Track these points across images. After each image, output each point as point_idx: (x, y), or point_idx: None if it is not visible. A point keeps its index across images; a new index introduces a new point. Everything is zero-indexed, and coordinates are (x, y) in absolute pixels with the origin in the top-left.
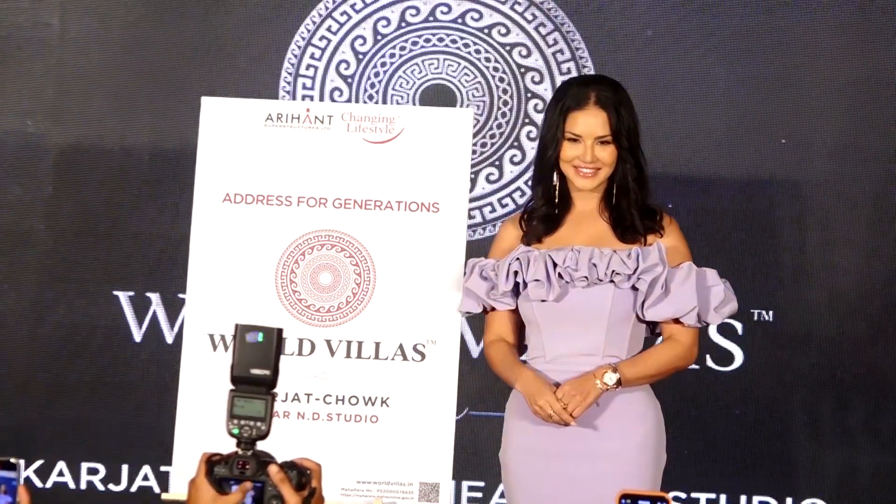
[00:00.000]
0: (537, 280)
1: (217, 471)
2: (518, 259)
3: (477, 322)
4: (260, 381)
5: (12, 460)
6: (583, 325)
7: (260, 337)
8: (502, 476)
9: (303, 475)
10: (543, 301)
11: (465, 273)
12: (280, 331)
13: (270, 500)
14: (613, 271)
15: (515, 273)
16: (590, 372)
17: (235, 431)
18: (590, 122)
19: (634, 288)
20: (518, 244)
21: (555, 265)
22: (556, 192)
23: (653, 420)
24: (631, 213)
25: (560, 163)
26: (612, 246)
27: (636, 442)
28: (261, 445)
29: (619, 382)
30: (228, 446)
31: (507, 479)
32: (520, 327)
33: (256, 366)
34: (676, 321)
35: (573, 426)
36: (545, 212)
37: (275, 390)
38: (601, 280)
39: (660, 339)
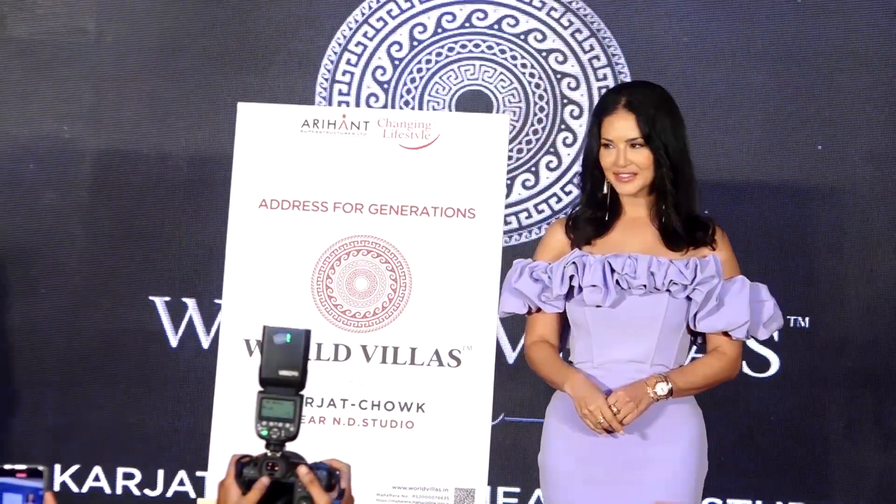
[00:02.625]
0: (594, 285)
1: (246, 472)
2: (574, 263)
3: (513, 328)
4: (288, 383)
5: (39, 468)
6: (634, 333)
7: (288, 338)
8: (540, 479)
9: (332, 476)
10: (598, 307)
11: (511, 273)
12: (308, 332)
13: (300, 501)
14: (671, 281)
15: (571, 277)
16: (641, 380)
17: (264, 433)
18: (619, 126)
19: (688, 298)
20: (567, 248)
21: (612, 271)
22: (608, 199)
23: (696, 429)
24: (671, 219)
25: (605, 171)
26: (659, 254)
27: (680, 450)
28: (294, 447)
29: (670, 392)
30: (262, 450)
31: (545, 483)
32: (560, 329)
33: (285, 367)
34: (725, 333)
35: (625, 434)
36: (591, 216)
37: (303, 391)
38: (658, 289)
39: (693, 349)
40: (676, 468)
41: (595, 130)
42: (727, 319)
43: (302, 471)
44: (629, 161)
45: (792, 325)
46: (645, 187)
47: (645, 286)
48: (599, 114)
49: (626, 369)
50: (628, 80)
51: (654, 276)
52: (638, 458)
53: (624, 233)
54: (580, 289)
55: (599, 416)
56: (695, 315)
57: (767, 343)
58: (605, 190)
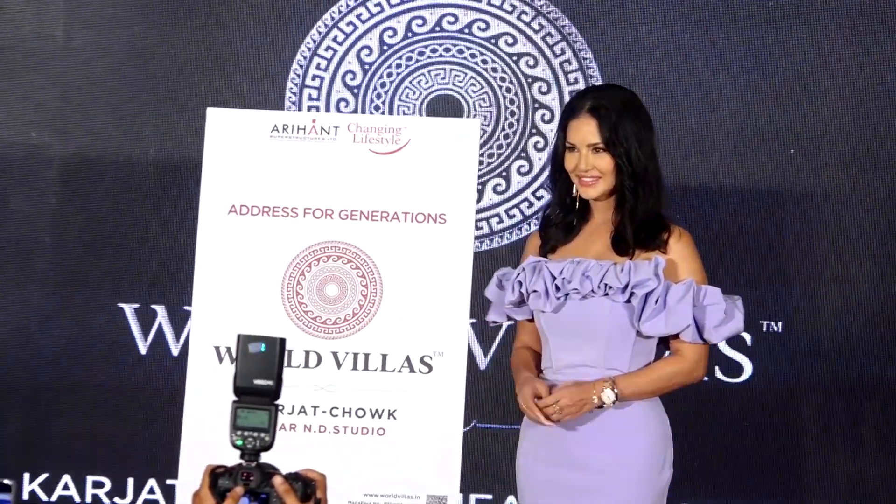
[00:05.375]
0: (536, 291)
1: (221, 483)
2: (524, 270)
3: (484, 334)
4: (263, 392)
5: (6, 482)
6: (581, 337)
7: (262, 347)
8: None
9: (307, 486)
10: (544, 312)
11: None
12: (283, 340)
13: None
14: (607, 284)
15: (520, 283)
16: (590, 383)
17: (239, 443)
18: (581, 131)
19: (631, 301)
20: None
21: (553, 277)
22: (577, 203)
23: (654, 434)
24: (624, 225)
25: (570, 175)
26: (609, 259)
27: (633, 456)
28: (266, 457)
29: (616, 397)
30: (234, 459)
31: (517, 485)
32: None
33: (259, 376)
34: (675, 336)
35: (574, 436)
36: (562, 220)
37: (278, 401)
38: (594, 293)
39: (666, 353)
40: (630, 474)
41: (561, 134)
42: (669, 322)
43: (277, 481)
44: (591, 165)
45: (765, 329)
46: (608, 191)
47: (578, 290)
48: (565, 117)
49: (579, 374)
50: (600, 84)
51: (590, 279)
52: (592, 463)
53: (586, 238)
54: (528, 295)
55: (523, 405)
56: (639, 318)
57: (740, 348)
58: (575, 193)
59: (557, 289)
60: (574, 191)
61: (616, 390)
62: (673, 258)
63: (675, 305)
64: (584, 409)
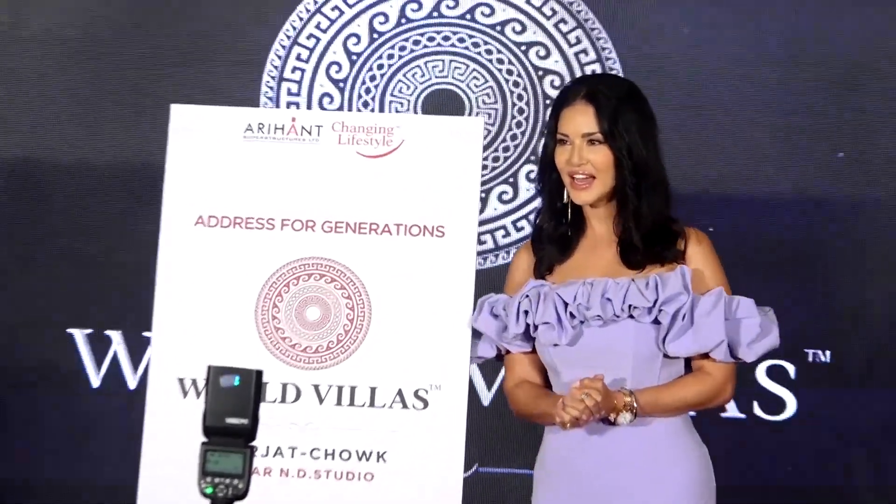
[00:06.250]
0: (547, 323)
1: None
2: (528, 297)
3: (488, 365)
4: (237, 432)
5: None
6: (604, 368)
7: (236, 381)
8: None
9: None
10: (557, 345)
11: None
12: (259, 373)
13: None
14: (631, 305)
15: (526, 313)
16: (615, 402)
17: (209, 490)
18: (575, 119)
19: (656, 321)
20: (531, 275)
21: (565, 304)
22: (569, 210)
23: (695, 470)
24: (629, 230)
25: (560, 174)
26: (619, 275)
27: (675, 491)
28: None
29: (633, 417)
30: None
31: None
32: (543, 368)
33: (232, 414)
34: (704, 356)
35: (611, 472)
36: (553, 231)
37: (253, 442)
38: (618, 316)
39: None
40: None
41: (552, 124)
42: (699, 340)
43: None
44: (585, 159)
45: (811, 359)
46: (604, 195)
47: (601, 316)
48: (557, 106)
49: None
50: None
51: (612, 302)
52: (632, 498)
53: (586, 254)
54: (535, 327)
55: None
56: (664, 338)
57: (782, 381)
58: (566, 199)
59: (572, 317)
60: (565, 195)
61: (636, 408)
62: (696, 266)
63: (703, 320)
64: (594, 418)
